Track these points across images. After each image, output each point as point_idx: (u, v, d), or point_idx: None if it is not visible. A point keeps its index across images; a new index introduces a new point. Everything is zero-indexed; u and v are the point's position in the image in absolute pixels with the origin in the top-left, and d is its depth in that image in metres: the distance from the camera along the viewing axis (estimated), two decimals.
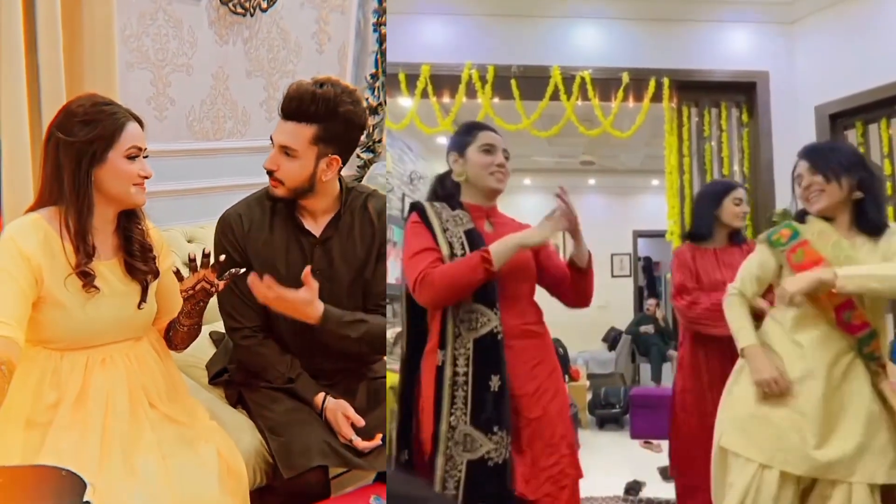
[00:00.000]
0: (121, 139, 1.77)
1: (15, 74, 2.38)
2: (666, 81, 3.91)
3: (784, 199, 3.62)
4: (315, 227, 2.21)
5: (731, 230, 2.66)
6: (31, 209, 1.82)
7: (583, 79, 3.95)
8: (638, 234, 7.61)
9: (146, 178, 1.82)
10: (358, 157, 3.90)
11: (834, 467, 1.87)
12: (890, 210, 3.47)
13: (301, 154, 2.05)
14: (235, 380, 2.35)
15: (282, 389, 2.20)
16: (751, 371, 1.97)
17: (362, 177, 3.80)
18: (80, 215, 1.76)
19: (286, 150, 2.06)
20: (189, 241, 2.97)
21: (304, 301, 2.03)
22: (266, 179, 2.17)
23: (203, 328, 2.74)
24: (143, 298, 1.89)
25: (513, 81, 3.96)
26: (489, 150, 2.01)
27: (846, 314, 1.90)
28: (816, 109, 3.79)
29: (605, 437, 4.96)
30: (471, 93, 3.97)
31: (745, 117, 4.06)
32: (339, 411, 2.11)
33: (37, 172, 2.43)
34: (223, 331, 2.45)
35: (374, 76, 3.85)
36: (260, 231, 2.18)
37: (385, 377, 2.35)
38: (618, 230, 7.31)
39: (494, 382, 1.84)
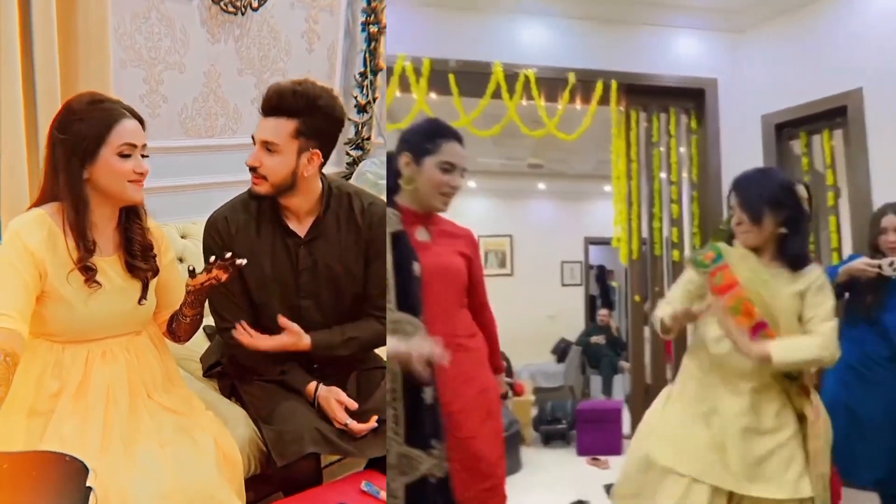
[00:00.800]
0: (111, 136, 1.78)
1: (11, 73, 2.40)
2: (614, 84, 3.80)
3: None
4: (300, 227, 2.24)
5: None
6: (35, 204, 1.84)
7: (527, 77, 3.77)
8: (590, 242, 7.18)
9: (142, 174, 1.83)
10: (347, 154, 3.98)
11: (757, 484, 1.93)
12: (832, 220, 3.54)
13: (283, 148, 2.09)
14: (229, 372, 2.40)
15: (274, 381, 2.26)
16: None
17: (350, 174, 3.88)
18: (76, 212, 1.79)
19: (268, 146, 2.09)
20: (182, 237, 3.02)
21: (291, 343, 2.16)
22: None
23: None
24: (144, 295, 1.92)
25: (450, 76, 3.74)
26: (448, 169, 1.93)
27: (760, 336, 1.96)
28: (763, 119, 3.79)
29: (550, 455, 4.57)
30: (404, 86, 3.71)
31: (693, 124, 4.01)
32: (332, 398, 2.16)
33: (33, 170, 2.51)
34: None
35: (363, 74, 3.91)
36: (246, 233, 2.20)
37: (379, 365, 2.39)
38: (569, 237, 7.01)
39: (428, 394, 1.72)
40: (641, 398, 3.83)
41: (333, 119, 2.14)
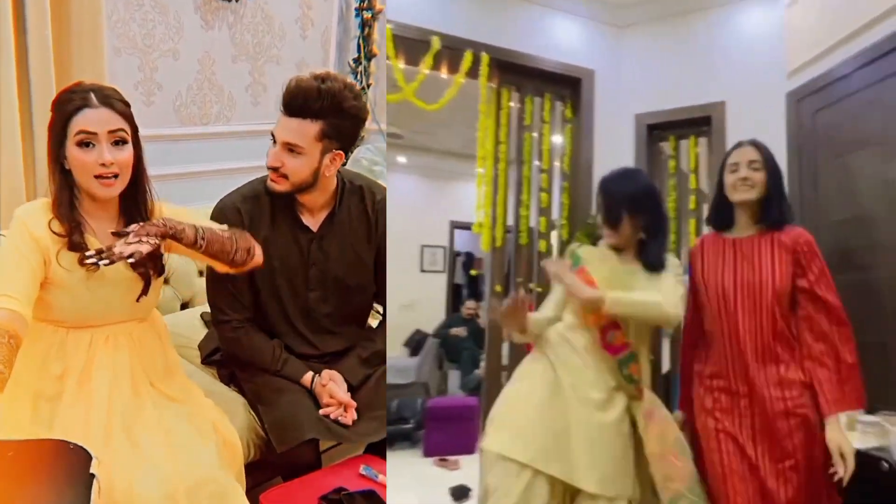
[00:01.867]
0: (70, 126, 1.76)
1: (4, 62, 2.39)
2: (484, 58, 3.43)
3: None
4: (313, 221, 2.23)
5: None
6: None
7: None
8: (456, 226, 6.61)
9: (104, 165, 1.75)
10: None
11: (592, 480, 1.91)
12: (692, 223, 3.58)
13: (306, 150, 2.05)
14: (227, 359, 2.41)
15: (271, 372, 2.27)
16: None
17: (345, 162, 3.82)
18: (58, 202, 1.80)
19: (291, 148, 2.05)
20: None
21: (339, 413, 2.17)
22: (251, 164, 2.23)
23: (194, 309, 2.86)
24: (144, 291, 1.91)
25: None
26: None
27: (610, 335, 1.99)
28: (636, 118, 3.75)
29: (394, 458, 4.01)
30: None
31: (568, 113, 3.82)
32: (326, 395, 2.18)
33: (28, 159, 2.51)
34: None
35: (357, 60, 3.91)
36: (257, 227, 2.17)
37: (378, 352, 2.39)
38: (432, 219, 6.44)
39: None
40: (497, 394, 3.48)
41: (358, 120, 2.12)
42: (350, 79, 2.19)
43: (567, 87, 3.78)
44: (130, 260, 1.65)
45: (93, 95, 1.77)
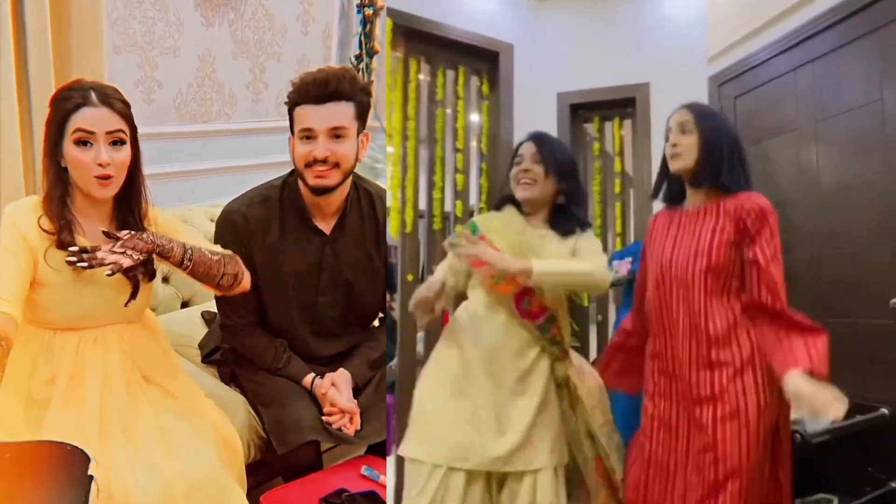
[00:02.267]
0: (68, 125, 1.73)
1: (3, 59, 2.37)
2: (389, 23, 3.14)
3: None
4: (325, 225, 2.18)
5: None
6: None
7: None
8: None
9: (101, 165, 1.73)
10: None
11: (513, 459, 1.86)
12: (618, 206, 3.52)
13: (350, 132, 2.01)
14: (228, 358, 2.39)
15: (273, 371, 2.25)
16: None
17: None
18: (49, 200, 1.78)
19: (336, 133, 1.99)
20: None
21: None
22: (252, 161, 2.20)
23: (194, 308, 2.84)
24: (133, 296, 1.87)
25: None
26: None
27: (525, 301, 1.91)
28: (559, 96, 3.58)
29: None
30: None
31: (485, 89, 3.52)
32: (327, 402, 2.14)
33: (27, 157, 2.49)
34: (215, 310, 2.48)
35: (359, 57, 3.87)
36: (266, 232, 2.13)
37: (385, 353, 2.38)
38: None
39: None
40: (410, 389, 3.36)
41: (370, 99, 2.11)
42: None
43: (484, 60, 3.48)
44: (107, 273, 1.63)
45: (93, 94, 1.75)
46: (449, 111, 3.42)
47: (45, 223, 1.76)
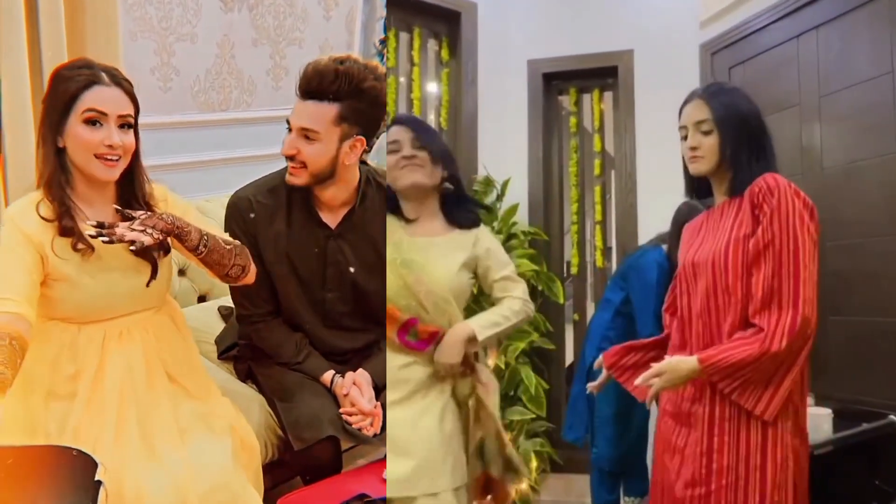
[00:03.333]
0: (78, 102, 1.52)
1: (16, 46, 2.09)
2: None
3: (485, 158, 2.86)
4: (331, 218, 1.92)
5: None
6: (38, 185, 1.62)
7: None
8: None
9: (112, 147, 1.54)
10: None
11: (409, 485, 1.58)
12: (597, 191, 3.04)
13: (323, 136, 1.75)
14: (245, 355, 2.12)
15: (291, 367, 1.98)
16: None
17: (368, 150, 3.56)
18: (50, 184, 1.57)
19: (306, 134, 1.75)
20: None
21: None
22: (272, 151, 1.91)
23: (211, 302, 2.58)
24: (153, 276, 1.67)
25: None
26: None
27: (410, 335, 1.58)
28: (530, 64, 3.01)
29: None
30: None
31: (445, 54, 2.91)
32: (347, 403, 1.89)
33: (39, 144, 2.32)
34: (232, 305, 2.22)
35: (384, 42, 3.34)
36: (272, 221, 1.88)
37: None
38: None
39: None
40: None
41: (379, 103, 1.78)
42: (376, 61, 1.94)
43: (443, 21, 2.86)
44: (132, 248, 1.45)
45: (103, 73, 1.55)
46: (402, 80, 2.86)
47: (44, 210, 1.54)
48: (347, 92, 1.73)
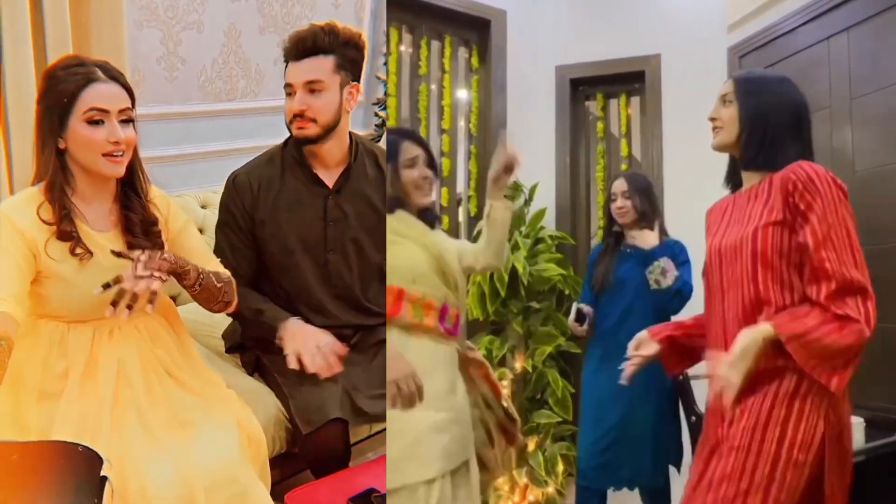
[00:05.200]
0: (78, 102, 1.60)
1: (20, 35, 2.21)
2: None
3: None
4: (328, 176, 2.12)
5: None
6: (33, 182, 1.71)
7: None
8: None
9: (117, 143, 1.63)
10: (376, 115, 3.67)
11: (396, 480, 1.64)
12: None
13: (327, 85, 2.01)
14: (251, 345, 2.25)
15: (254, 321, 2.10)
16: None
17: (380, 136, 3.54)
18: (50, 186, 1.65)
19: (312, 86, 2.00)
20: (203, 207, 2.78)
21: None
22: (279, 141, 2.12)
23: None
24: None
25: None
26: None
27: (447, 322, 1.73)
28: (558, 70, 3.17)
29: None
30: None
31: (475, 61, 3.11)
32: (312, 341, 2.00)
33: (38, 146, 2.35)
34: None
35: (382, 104, 3.48)
36: (269, 190, 2.07)
37: None
38: None
39: None
40: None
41: (361, 48, 2.09)
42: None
43: (473, 29, 3.06)
44: (147, 306, 1.55)
45: (97, 69, 1.63)
46: (434, 87, 3.00)
47: (45, 213, 1.63)
48: (337, 43, 2.00)
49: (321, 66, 2.00)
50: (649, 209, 2.48)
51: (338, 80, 2.02)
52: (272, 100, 3.23)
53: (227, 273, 1.90)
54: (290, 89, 2.01)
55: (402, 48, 2.92)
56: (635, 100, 3.23)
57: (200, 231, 2.60)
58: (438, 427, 1.65)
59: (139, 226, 1.75)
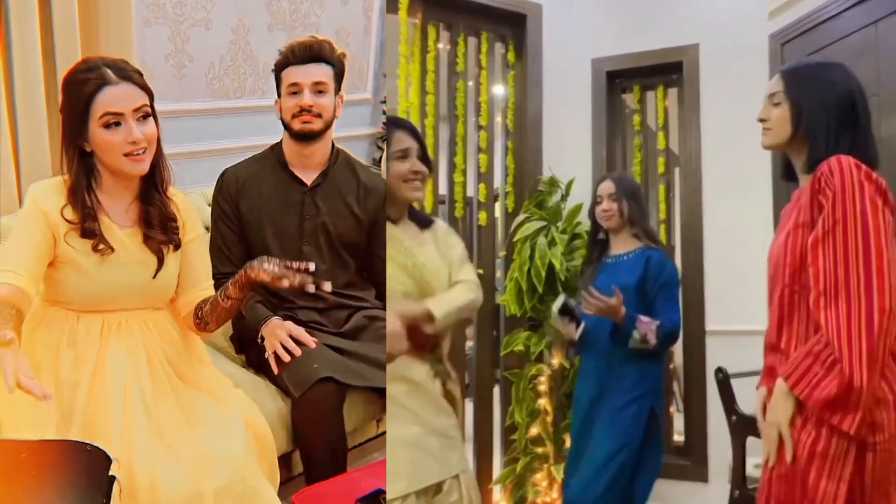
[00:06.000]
0: (92, 109, 1.69)
1: (28, 33, 2.29)
2: None
3: (550, 159, 3.12)
4: (306, 177, 2.37)
5: None
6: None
7: None
8: None
9: (135, 143, 1.71)
10: (384, 112, 3.76)
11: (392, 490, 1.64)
12: (661, 190, 3.21)
13: (329, 88, 2.29)
14: (252, 339, 2.30)
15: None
16: None
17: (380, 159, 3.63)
18: (74, 187, 1.75)
19: (319, 88, 2.27)
20: (209, 205, 2.77)
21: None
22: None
23: None
24: (159, 268, 1.84)
25: None
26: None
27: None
28: (594, 63, 3.20)
29: None
30: None
31: (511, 57, 3.17)
32: (281, 329, 2.18)
33: (53, 134, 2.40)
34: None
35: (384, 140, 3.59)
36: (253, 184, 2.36)
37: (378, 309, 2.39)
38: None
39: None
40: None
41: (345, 67, 2.36)
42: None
43: (509, 25, 3.15)
44: None
45: (109, 71, 1.69)
46: (471, 84, 3.10)
47: (68, 213, 1.73)
48: (335, 57, 2.32)
49: (325, 72, 2.29)
50: (637, 214, 2.47)
51: (333, 88, 2.32)
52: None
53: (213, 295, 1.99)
54: (296, 88, 2.28)
55: (441, 46, 3.00)
56: (673, 91, 3.25)
57: (206, 229, 2.65)
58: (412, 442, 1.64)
59: (157, 219, 1.84)
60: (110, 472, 1.32)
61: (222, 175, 2.41)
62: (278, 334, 2.17)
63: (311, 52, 2.28)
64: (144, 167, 1.75)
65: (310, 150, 2.35)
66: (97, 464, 1.35)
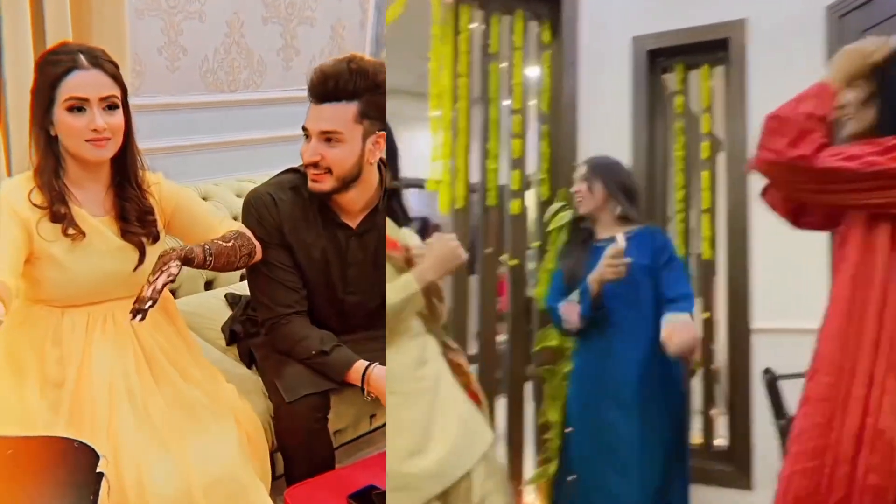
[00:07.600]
0: (58, 91, 1.78)
1: (20, 24, 2.36)
2: None
3: (586, 144, 3.10)
4: (352, 220, 2.17)
5: None
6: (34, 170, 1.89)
7: None
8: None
9: (96, 131, 1.78)
10: None
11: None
12: (705, 175, 3.13)
13: (346, 136, 1.99)
14: (244, 331, 2.38)
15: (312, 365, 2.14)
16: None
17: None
18: (41, 171, 1.83)
19: (329, 137, 2.00)
20: (203, 199, 2.95)
21: None
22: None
23: (218, 290, 2.87)
24: (141, 262, 1.92)
25: None
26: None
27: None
28: (635, 41, 3.14)
29: None
30: None
31: (546, 37, 3.18)
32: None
33: (30, 133, 2.48)
34: (239, 293, 2.57)
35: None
36: (292, 214, 2.13)
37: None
38: None
39: None
40: None
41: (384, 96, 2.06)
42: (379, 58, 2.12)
43: (544, 2, 3.15)
44: (170, 283, 1.77)
45: (82, 56, 1.79)
46: (504, 65, 3.12)
47: (35, 197, 1.81)
48: (364, 88, 1.97)
49: (341, 115, 1.98)
50: (619, 196, 2.45)
51: (359, 131, 2.01)
52: (275, 91, 3.45)
53: (232, 229, 2.05)
54: (306, 132, 2.04)
55: (473, 26, 3.03)
56: (718, 71, 3.23)
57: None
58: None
59: (134, 214, 1.92)
60: (98, 469, 1.39)
61: (258, 196, 2.16)
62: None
63: (326, 89, 1.97)
64: (105, 154, 1.84)
65: (342, 199, 2.12)
66: (85, 461, 1.41)
